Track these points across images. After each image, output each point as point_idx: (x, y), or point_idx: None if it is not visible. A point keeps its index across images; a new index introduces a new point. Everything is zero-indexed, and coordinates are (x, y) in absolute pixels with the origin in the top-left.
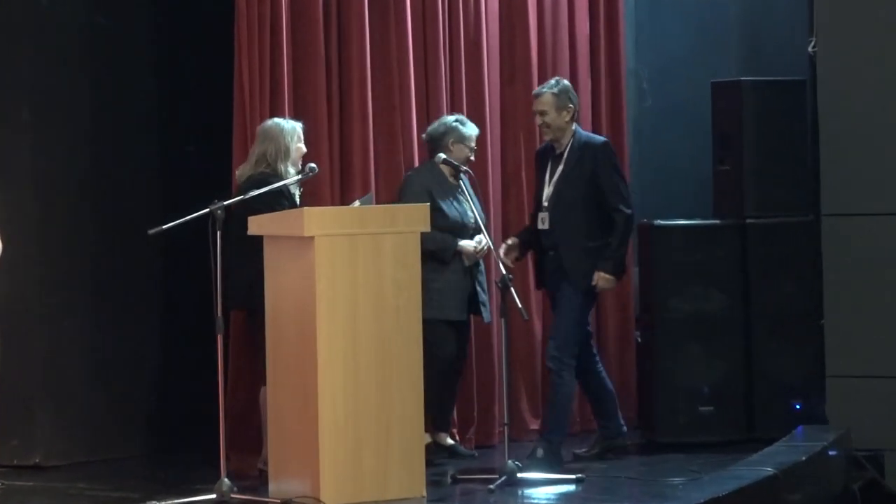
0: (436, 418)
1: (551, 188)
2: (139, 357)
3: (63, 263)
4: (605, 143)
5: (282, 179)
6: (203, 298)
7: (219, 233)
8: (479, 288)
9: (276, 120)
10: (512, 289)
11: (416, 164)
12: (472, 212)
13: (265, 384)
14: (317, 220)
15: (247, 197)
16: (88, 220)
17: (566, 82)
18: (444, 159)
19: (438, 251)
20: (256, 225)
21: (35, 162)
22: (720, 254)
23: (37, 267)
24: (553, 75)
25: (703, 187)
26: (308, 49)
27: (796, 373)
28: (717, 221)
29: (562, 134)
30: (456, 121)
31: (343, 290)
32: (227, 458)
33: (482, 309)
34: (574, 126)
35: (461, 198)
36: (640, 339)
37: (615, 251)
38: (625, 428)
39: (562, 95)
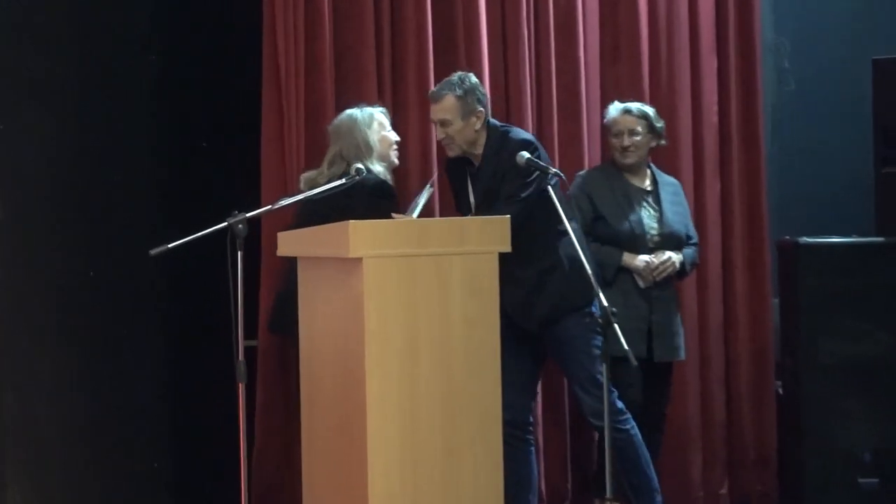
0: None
1: (473, 213)
2: (140, 409)
3: (35, 291)
4: (520, 143)
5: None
6: (222, 334)
7: (240, 253)
8: (654, 318)
9: (349, 112)
10: (616, 325)
11: None
12: (661, 222)
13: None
14: (365, 237)
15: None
16: (71, 238)
17: (473, 77)
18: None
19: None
20: (286, 242)
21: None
22: (885, 281)
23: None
24: (668, 51)
25: (863, 195)
26: (353, 17)
27: None
28: (882, 239)
29: (473, 147)
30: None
31: (398, 328)
32: None
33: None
34: (486, 128)
35: (647, 205)
36: (781, 391)
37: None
38: None
39: (469, 97)
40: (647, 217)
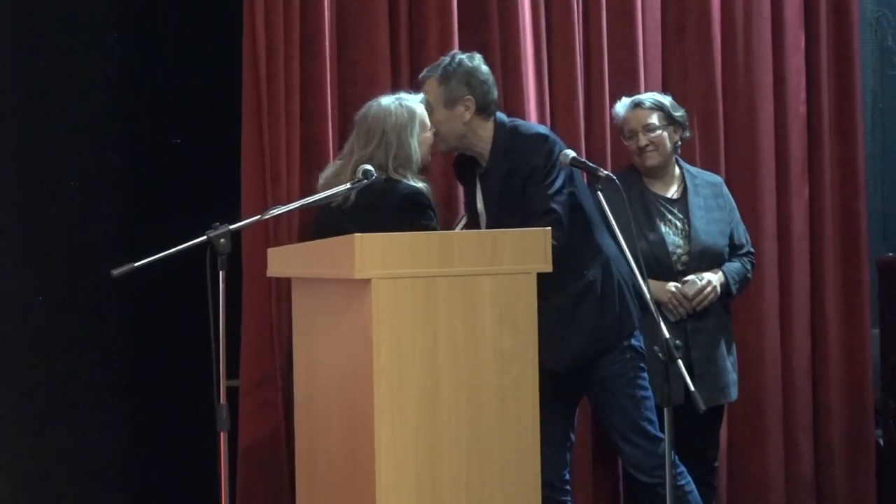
0: None
1: (483, 223)
2: (100, 466)
3: None
4: (533, 137)
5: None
6: (200, 373)
7: (221, 273)
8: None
9: (386, 104)
10: (680, 362)
11: None
12: (689, 237)
13: None
14: (374, 254)
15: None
16: (15, 256)
17: (471, 59)
18: (574, 157)
19: None
20: (278, 261)
21: None
22: None
23: None
24: (745, 25)
25: None
26: None
27: None
28: None
29: (465, 142)
30: None
31: (415, 364)
32: None
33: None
34: (492, 121)
35: (672, 217)
36: (882, 441)
37: None
38: None
39: (453, 81)
40: (672, 233)
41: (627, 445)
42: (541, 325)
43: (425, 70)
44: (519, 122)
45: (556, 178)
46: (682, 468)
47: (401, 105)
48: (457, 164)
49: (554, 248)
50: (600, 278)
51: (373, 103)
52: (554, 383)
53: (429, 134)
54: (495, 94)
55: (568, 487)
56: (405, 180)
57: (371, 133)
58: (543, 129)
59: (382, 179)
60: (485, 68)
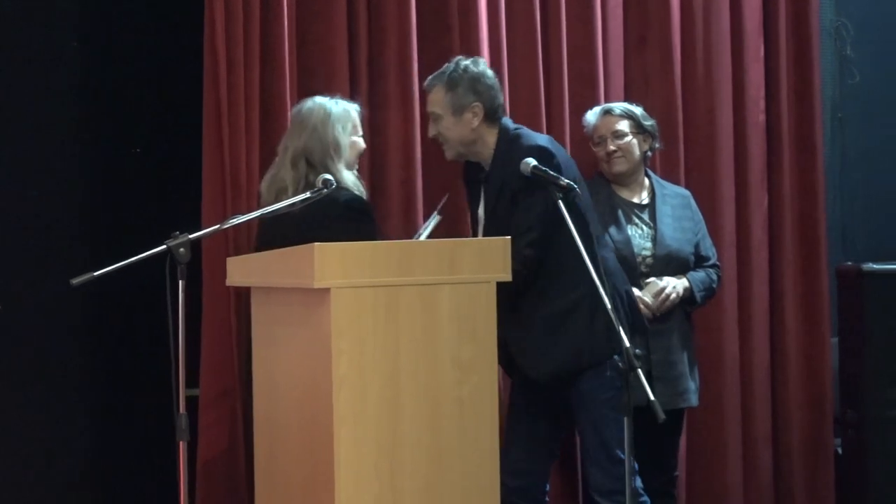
0: None
1: (481, 230)
2: (61, 480)
3: None
4: (529, 150)
5: (351, 188)
6: (159, 382)
7: (181, 283)
8: (654, 358)
9: (320, 101)
10: (640, 372)
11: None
12: (656, 241)
13: None
14: (334, 263)
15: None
16: None
17: (476, 65)
18: (534, 166)
19: None
20: (238, 270)
21: None
22: None
23: None
24: (705, 34)
25: None
26: None
27: None
28: None
29: (473, 148)
30: None
31: (375, 373)
32: None
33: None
34: (497, 127)
35: (639, 221)
36: (840, 449)
37: None
38: None
39: (461, 87)
40: (639, 236)
41: (592, 466)
42: (527, 335)
43: (430, 78)
44: (523, 130)
45: (542, 195)
46: (645, 498)
47: (336, 103)
48: (466, 169)
49: (520, 271)
50: (590, 295)
51: (307, 100)
52: (538, 395)
53: (358, 139)
54: (501, 98)
55: (546, 500)
56: (341, 176)
57: (304, 124)
58: (544, 140)
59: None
60: (490, 73)
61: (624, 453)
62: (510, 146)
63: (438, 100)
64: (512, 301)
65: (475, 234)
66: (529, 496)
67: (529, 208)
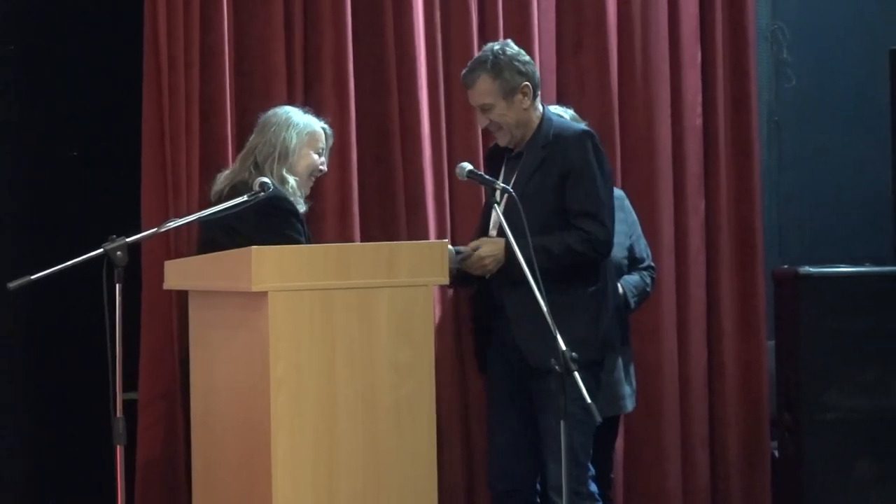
0: None
1: (502, 208)
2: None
3: None
4: (583, 134)
5: (287, 191)
6: (96, 386)
7: (118, 286)
8: None
9: (289, 108)
10: (577, 374)
11: (429, 172)
12: None
13: None
14: (271, 266)
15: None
16: None
17: (510, 46)
18: (470, 171)
19: None
20: (176, 273)
21: None
22: None
23: None
24: (642, 39)
25: (879, 214)
26: (257, 1)
27: None
28: None
29: (526, 129)
30: None
31: (312, 377)
32: None
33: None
34: (541, 109)
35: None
36: (777, 452)
37: (548, 250)
38: None
39: (507, 71)
40: None
41: (554, 463)
42: (532, 319)
43: (466, 72)
44: (554, 113)
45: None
46: (600, 503)
47: (304, 114)
48: (489, 156)
49: (585, 252)
50: (600, 293)
51: (282, 106)
52: (522, 393)
53: (314, 155)
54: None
55: (538, 500)
56: (282, 177)
57: (264, 126)
58: (585, 126)
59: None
60: (522, 51)
61: (587, 457)
62: (557, 127)
63: (487, 89)
64: (554, 279)
65: (488, 221)
66: (521, 498)
67: (590, 188)
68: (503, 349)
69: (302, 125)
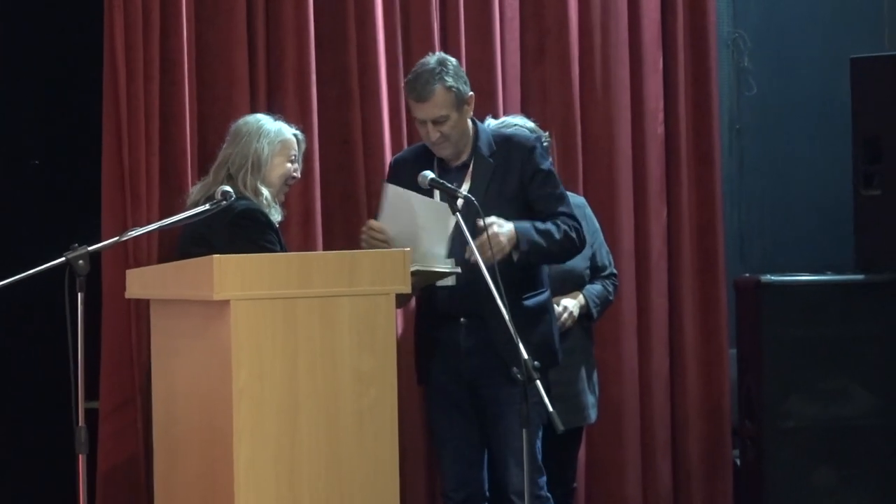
0: None
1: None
2: None
3: None
4: (535, 140)
5: (261, 203)
6: (57, 395)
7: (80, 295)
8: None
9: (259, 116)
10: (539, 383)
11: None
12: None
13: None
14: (233, 275)
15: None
16: None
17: (448, 59)
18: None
19: None
20: (137, 282)
21: None
22: (865, 328)
23: None
24: (603, 47)
25: (840, 222)
26: (220, 10)
27: None
28: (861, 277)
29: (466, 140)
30: None
31: (274, 386)
32: None
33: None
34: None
35: None
36: (739, 461)
37: (535, 238)
38: None
39: (459, 82)
40: None
41: (516, 467)
42: (505, 319)
43: (418, 84)
44: (483, 123)
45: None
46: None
47: (275, 121)
48: (400, 167)
49: (574, 239)
50: (549, 300)
51: (252, 114)
52: (469, 402)
53: (287, 164)
54: None
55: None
56: (256, 189)
57: (235, 136)
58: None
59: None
60: None
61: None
62: (490, 133)
63: (444, 100)
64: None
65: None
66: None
67: (552, 191)
68: (452, 359)
69: (273, 134)
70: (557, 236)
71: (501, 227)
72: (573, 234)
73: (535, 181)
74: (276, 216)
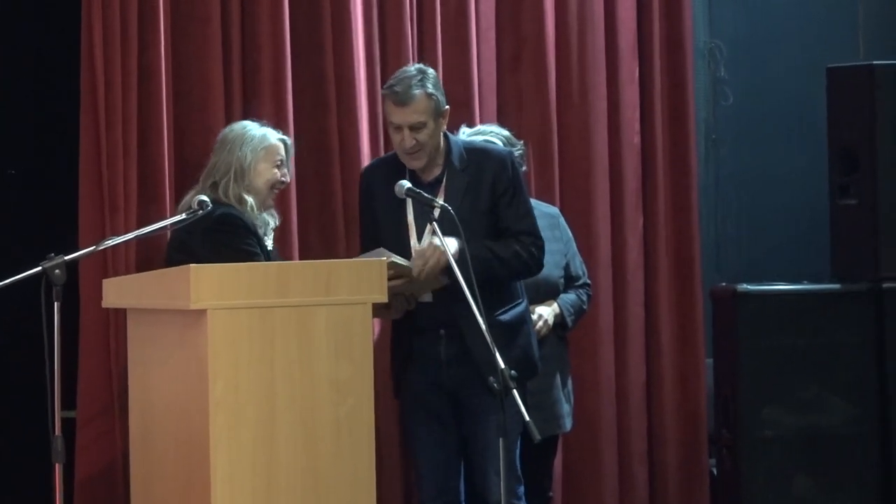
0: None
1: (429, 234)
2: None
3: None
4: (508, 154)
5: (246, 211)
6: (34, 404)
7: (56, 305)
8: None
9: (245, 123)
10: (516, 392)
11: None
12: None
13: None
14: (210, 284)
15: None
16: None
17: (428, 69)
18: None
19: None
20: (114, 291)
21: None
22: (841, 337)
23: None
24: (579, 56)
25: (816, 232)
26: (195, 18)
27: None
28: (838, 286)
29: (438, 152)
30: None
31: (251, 395)
32: None
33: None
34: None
35: None
36: (715, 470)
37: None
38: None
39: (437, 91)
40: None
41: (495, 475)
42: (483, 333)
43: (399, 89)
44: (455, 135)
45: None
46: None
47: (260, 126)
48: (372, 176)
49: (528, 261)
50: (526, 311)
51: (239, 121)
52: (446, 411)
53: (273, 169)
54: None
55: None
56: (240, 198)
57: (223, 142)
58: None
59: (223, 201)
60: None
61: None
62: (460, 146)
63: (424, 107)
64: (500, 285)
65: (404, 238)
66: None
67: (522, 208)
68: (432, 369)
69: (258, 140)
70: (504, 255)
71: (423, 250)
72: (525, 256)
73: (504, 197)
74: (270, 222)
